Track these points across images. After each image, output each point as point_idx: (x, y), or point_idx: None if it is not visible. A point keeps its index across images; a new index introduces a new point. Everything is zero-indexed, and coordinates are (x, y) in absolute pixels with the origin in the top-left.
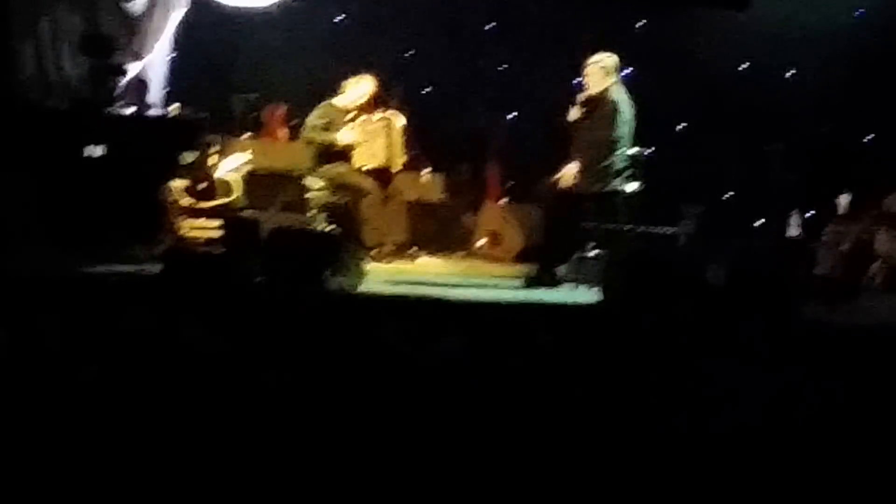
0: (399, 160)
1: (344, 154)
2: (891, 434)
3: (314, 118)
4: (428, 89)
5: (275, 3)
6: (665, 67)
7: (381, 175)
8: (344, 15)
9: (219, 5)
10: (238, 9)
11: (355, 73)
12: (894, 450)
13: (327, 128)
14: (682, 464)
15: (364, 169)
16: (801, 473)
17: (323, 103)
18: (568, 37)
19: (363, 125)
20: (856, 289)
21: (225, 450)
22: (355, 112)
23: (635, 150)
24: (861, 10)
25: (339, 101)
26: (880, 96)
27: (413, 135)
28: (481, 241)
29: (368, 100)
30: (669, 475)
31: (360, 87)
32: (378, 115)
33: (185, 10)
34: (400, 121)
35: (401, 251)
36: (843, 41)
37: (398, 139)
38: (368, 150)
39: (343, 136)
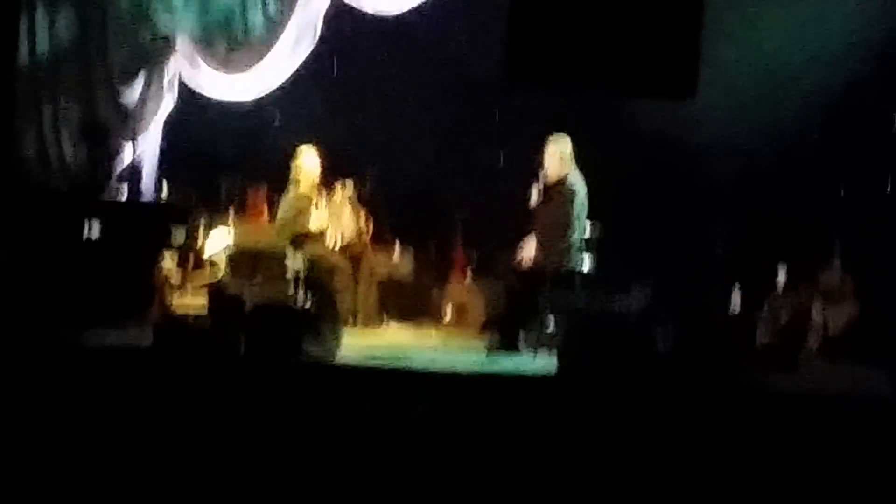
0: (363, 228)
1: (315, 234)
2: (825, 490)
3: (283, 211)
4: (399, 169)
5: (258, 97)
6: (616, 151)
7: (353, 248)
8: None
9: (204, 98)
10: (221, 103)
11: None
12: None
13: (296, 216)
14: None
15: (337, 246)
16: None
17: (288, 192)
18: (526, 121)
19: (328, 206)
20: (794, 357)
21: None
22: (317, 192)
23: (589, 228)
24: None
25: (300, 184)
26: (817, 176)
27: (385, 212)
28: (447, 313)
29: (321, 174)
30: None
31: (308, 162)
32: (338, 190)
33: (174, 100)
34: (350, 186)
35: (373, 322)
36: (780, 124)
37: (357, 206)
38: (337, 228)
39: (313, 224)
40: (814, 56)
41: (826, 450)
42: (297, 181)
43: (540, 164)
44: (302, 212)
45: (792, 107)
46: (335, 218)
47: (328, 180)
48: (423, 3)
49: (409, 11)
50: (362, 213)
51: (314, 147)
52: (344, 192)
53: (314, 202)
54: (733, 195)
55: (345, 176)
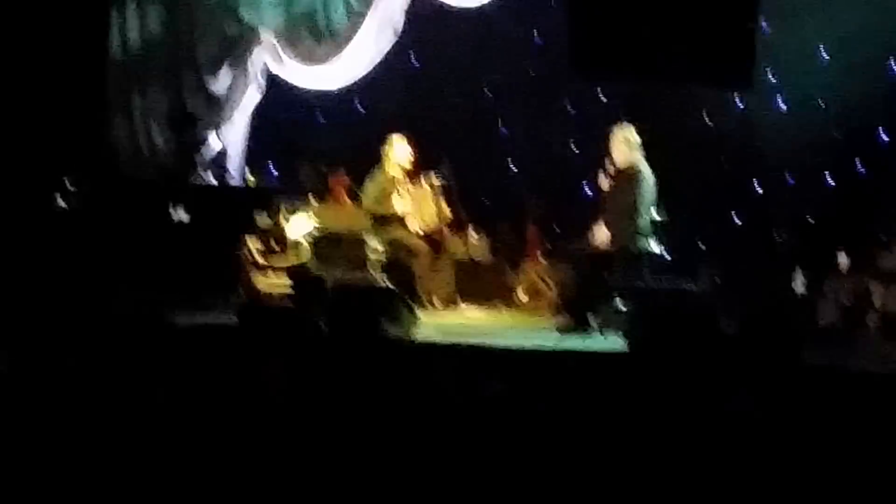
0: (445, 216)
1: (398, 217)
2: (885, 465)
3: (369, 191)
4: (476, 157)
5: (342, 87)
6: (681, 140)
7: (432, 234)
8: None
9: (291, 87)
10: (308, 91)
11: (388, 136)
12: (889, 482)
13: (381, 199)
14: (693, 495)
15: (417, 231)
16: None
17: (374, 175)
18: (596, 111)
19: (412, 193)
20: (853, 336)
21: (287, 477)
22: (403, 178)
23: (656, 213)
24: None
25: (388, 170)
26: (876, 161)
27: (460, 197)
28: (522, 295)
29: (411, 163)
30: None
31: (398, 151)
32: (423, 181)
33: (260, 89)
34: (437, 181)
35: (450, 303)
36: (842, 109)
37: (441, 199)
38: (419, 214)
39: (396, 207)
40: (877, 43)
41: (882, 425)
42: (385, 166)
43: (608, 152)
44: (386, 194)
45: (852, 92)
46: (417, 203)
47: (412, 169)
48: None
49: (489, 4)
50: (442, 200)
51: (404, 137)
52: (428, 180)
53: (399, 187)
54: (795, 180)
55: (425, 163)
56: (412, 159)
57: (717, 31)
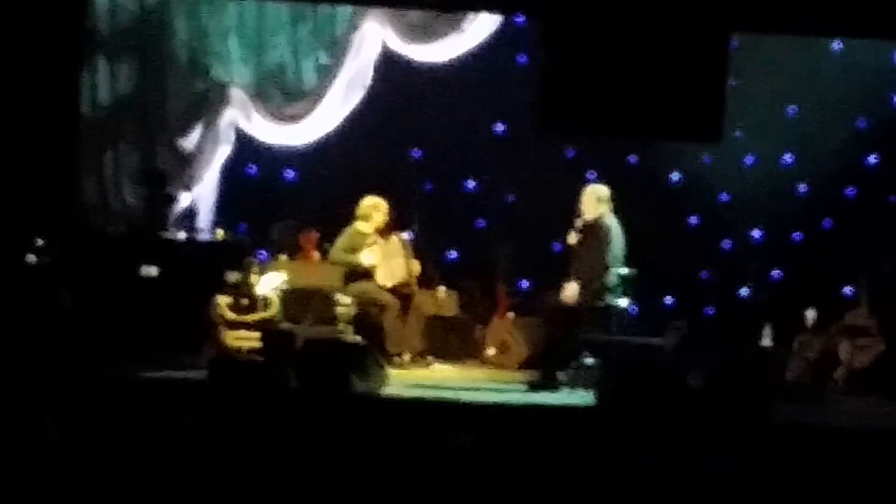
0: (414, 274)
1: (367, 273)
2: None
3: (340, 243)
4: (443, 213)
5: (310, 141)
6: (646, 193)
7: (401, 290)
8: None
9: (260, 143)
10: (276, 146)
11: (369, 196)
12: None
13: (352, 252)
14: None
15: (385, 286)
16: None
17: (347, 229)
18: (565, 168)
19: (382, 248)
20: (821, 392)
21: None
22: (374, 236)
23: (626, 270)
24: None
25: (361, 226)
26: (844, 219)
27: (430, 256)
28: (490, 351)
29: (385, 223)
30: None
31: (379, 213)
32: (394, 237)
33: (230, 147)
34: (404, 235)
35: (418, 359)
36: (809, 169)
37: (411, 256)
38: (388, 270)
39: (366, 260)
40: (845, 100)
41: (849, 478)
42: (357, 223)
43: (577, 207)
44: (357, 246)
45: (820, 148)
46: (386, 258)
47: (384, 226)
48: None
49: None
50: (412, 256)
51: (379, 198)
52: (398, 236)
53: (369, 241)
54: (763, 235)
55: (396, 220)
56: (385, 218)
57: (686, 85)
